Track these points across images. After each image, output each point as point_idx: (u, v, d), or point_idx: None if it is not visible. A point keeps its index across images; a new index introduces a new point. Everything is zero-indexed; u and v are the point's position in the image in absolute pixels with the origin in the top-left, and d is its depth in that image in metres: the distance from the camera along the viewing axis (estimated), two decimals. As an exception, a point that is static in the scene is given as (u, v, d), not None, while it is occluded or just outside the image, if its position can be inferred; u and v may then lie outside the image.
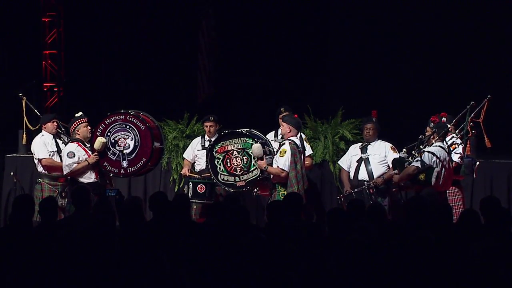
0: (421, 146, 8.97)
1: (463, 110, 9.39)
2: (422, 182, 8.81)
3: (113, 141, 9.30)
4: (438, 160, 8.79)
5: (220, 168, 9.37)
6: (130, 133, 9.28)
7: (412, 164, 8.89)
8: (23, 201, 7.28)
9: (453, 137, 9.30)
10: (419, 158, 8.82)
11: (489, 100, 9.33)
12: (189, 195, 9.52)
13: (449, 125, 9.15)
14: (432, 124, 9.16)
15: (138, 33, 14.22)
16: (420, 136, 9.09)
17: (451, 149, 9.18)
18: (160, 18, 14.17)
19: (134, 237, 6.46)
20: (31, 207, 7.21)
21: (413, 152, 9.04)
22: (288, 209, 7.37)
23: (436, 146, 8.89)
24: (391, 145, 9.64)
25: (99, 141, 9.21)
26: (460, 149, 9.27)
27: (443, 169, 8.82)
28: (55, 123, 9.71)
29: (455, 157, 9.23)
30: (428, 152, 8.81)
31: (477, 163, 9.41)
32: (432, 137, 8.99)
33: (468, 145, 9.32)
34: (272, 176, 9.12)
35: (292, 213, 7.33)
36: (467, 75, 12.70)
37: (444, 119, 9.26)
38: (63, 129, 9.82)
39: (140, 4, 14.25)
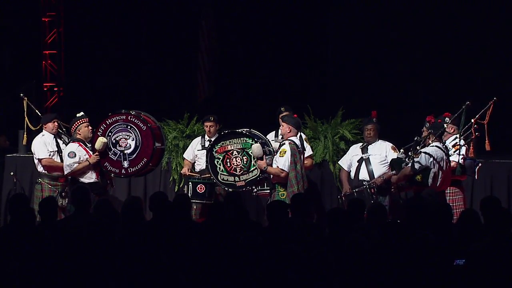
0: (417, 147, 8.96)
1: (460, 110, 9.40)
2: (419, 183, 8.81)
3: (114, 141, 9.30)
4: (434, 161, 8.79)
5: (220, 168, 9.37)
6: (131, 133, 9.28)
7: (409, 165, 8.88)
8: (17, 200, 7.30)
9: (456, 137, 9.28)
10: (415, 159, 8.81)
11: (495, 102, 9.33)
12: (189, 195, 9.52)
13: (445, 125, 9.13)
14: (428, 124, 9.16)
15: (138, 33, 14.22)
16: (416, 138, 9.08)
17: (454, 149, 9.17)
18: (160, 18, 14.16)
19: (134, 237, 6.46)
20: (26, 206, 7.22)
21: (409, 153, 9.03)
22: (295, 210, 7.41)
23: (432, 146, 8.89)
24: (391, 145, 9.64)
25: (100, 141, 9.22)
26: (463, 150, 9.26)
27: (440, 170, 8.82)
28: (56, 123, 9.71)
29: (457, 158, 9.22)
30: (425, 153, 8.81)
31: (479, 164, 9.40)
32: (428, 137, 8.99)
33: (471, 147, 9.32)
34: (272, 176, 9.12)
35: (298, 214, 7.36)
36: (468, 75, 12.69)
37: (447, 119, 9.24)
38: (64, 129, 9.82)
39: (140, 4, 14.25)
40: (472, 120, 9.28)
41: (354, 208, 7.46)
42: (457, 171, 9.17)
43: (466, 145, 9.26)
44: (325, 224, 7.09)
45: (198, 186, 9.67)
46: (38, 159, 9.60)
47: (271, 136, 9.92)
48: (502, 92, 10.15)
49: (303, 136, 9.65)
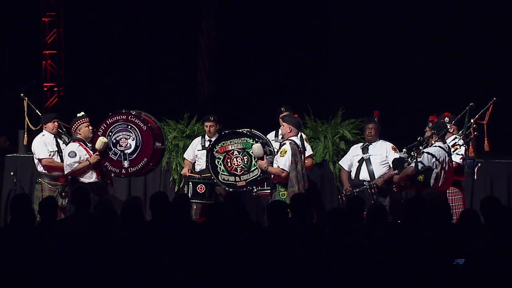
0: (420, 147, 8.96)
1: (463, 110, 9.40)
2: (421, 183, 8.81)
3: (114, 141, 9.30)
4: (437, 162, 8.78)
5: (220, 168, 9.38)
6: (132, 133, 9.29)
7: (411, 165, 8.89)
8: (20, 200, 7.29)
9: (456, 137, 9.29)
10: (418, 159, 8.81)
11: (494, 102, 9.34)
12: (189, 195, 9.52)
13: (449, 125, 9.14)
14: (431, 124, 9.16)
15: (138, 32, 14.21)
16: (419, 138, 9.08)
17: (453, 149, 9.17)
18: (160, 18, 14.17)
19: (134, 237, 6.46)
20: (28, 206, 7.21)
21: (412, 153, 9.03)
22: (295, 210, 7.41)
23: (435, 146, 8.88)
24: (392, 145, 9.65)
25: (101, 140, 9.22)
26: (462, 150, 9.27)
27: (442, 170, 8.82)
28: (56, 123, 9.71)
29: (457, 158, 9.22)
30: (428, 153, 8.80)
31: (479, 164, 9.40)
32: (431, 137, 8.99)
33: (470, 147, 9.33)
34: (272, 176, 9.12)
35: (298, 214, 7.36)
36: (468, 75, 12.69)
37: (447, 119, 9.25)
38: (64, 129, 9.82)
39: (140, 4, 14.25)
40: (472, 120, 9.30)
41: (352, 206, 7.46)
42: (465, 172, 9.18)
43: (465, 145, 9.27)
44: (325, 224, 7.09)
45: (198, 186, 9.67)
46: (38, 159, 9.60)
47: (271, 136, 9.93)
48: (502, 92, 10.16)
49: (304, 136, 9.65)
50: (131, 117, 9.30)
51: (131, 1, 14.31)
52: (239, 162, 9.31)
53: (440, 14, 13.03)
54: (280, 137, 9.57)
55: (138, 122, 9.27)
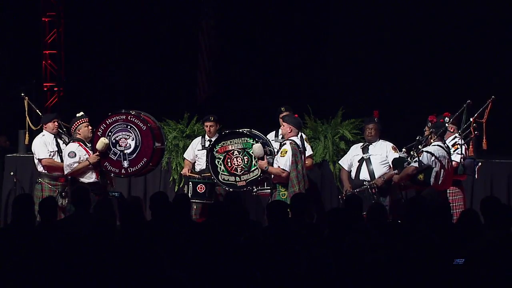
0: (419, 146, 8.97)
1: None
2: (421, 182, 8.81)
3: (114, 141, 9.30)
4: (436, 160, 8.78)
5: (220, 168, 9.38)
6: (131, 133, 9.28)
7: (411, 164, 8.89)
8: (23, 201, 7.29)
9: (456, 137, 9.30)
10: (417, 158, 8.81)
11: (493, 100, 9.34)
12: (189, 195, 9.52)
13: (447, 124, 9.15)
14: (430, 123, 9.16)
15: (138, 33, 14.22)
16: (418, 137, 9.09)
17: (453, 149, 9.18)
18: (160, 18, 14.17)
19: (134, 237, 6.46)
20: (30, 207, 7.22)
21: (411, 152, 9.04)
22: (295, 210, 7.41)
23: (434, 145, 8.89)
24: (392, 145, 9.65)
25: (102, 141, 9.21)
26: (462, 149, 9.27)
27: (442, 169, 8.82)
28: (56, 123, 9.71)
29: (457, 158, 9.23)
30: (427, 152, 8.81)
31: (479, 163, 9.40)
32: (430, 136, 8.99)
33: (470, 146, 9.33)
34: (273, 176, 9.12)
35: (299, 214, 7.36)
36: (468, 74, 12.70)
37: (447, 119, 9.25)
38: (64, 129, 9.83)
39: (140, 4, 14.25)
40: (471, 119, 9.30)
41: (350, 204, 7.44)
42: (459, 170, 9.18)
43: (465, 145, 9.27)
44: (325, 224, 7.09)
45: (198, 186, 9.67)
46: (38, 159, 9.60)
47: (271, 136, 9.93)
48: (501, 91, 10.16)
49: (304, 136, 9.65)
50: (130, 117, 9.30)
51: (131, 1, 14.31)
52: (239, 162, 9.31)
53: (439, 14, 13.04)
54: (280, 137, 9.58)
55: (138, 122, 9.27)
